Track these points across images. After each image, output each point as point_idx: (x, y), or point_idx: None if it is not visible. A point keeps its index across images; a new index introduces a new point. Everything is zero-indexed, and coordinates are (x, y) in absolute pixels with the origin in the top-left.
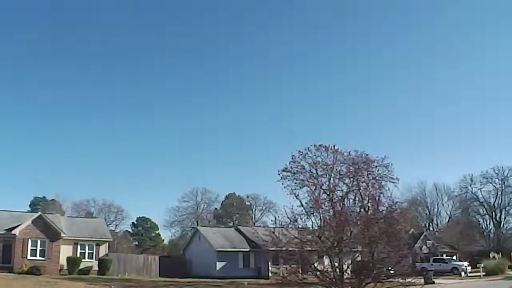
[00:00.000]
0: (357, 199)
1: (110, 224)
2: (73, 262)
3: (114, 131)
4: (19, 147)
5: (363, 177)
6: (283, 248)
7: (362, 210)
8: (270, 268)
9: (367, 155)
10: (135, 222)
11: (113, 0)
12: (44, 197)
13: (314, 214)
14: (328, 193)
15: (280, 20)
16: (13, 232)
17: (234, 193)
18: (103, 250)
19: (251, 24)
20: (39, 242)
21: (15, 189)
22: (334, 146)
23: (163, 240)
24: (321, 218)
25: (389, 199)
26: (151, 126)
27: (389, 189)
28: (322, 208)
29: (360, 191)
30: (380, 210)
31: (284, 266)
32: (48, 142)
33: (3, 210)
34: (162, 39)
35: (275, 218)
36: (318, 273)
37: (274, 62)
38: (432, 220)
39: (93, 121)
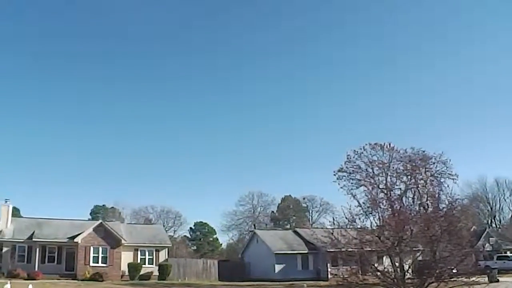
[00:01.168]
0: (415, 197)
1: (168, 230)
2: (134, 268)
3: (171, 139)
4: (79, 158)
5: (421, 175)
6: (342, 249)
7: (421, 208)
8: (329, 269)
9: (423, 152)
10: (193, 227)
11: None
12: (103, 205)
13: (373, 213)
14: (385, 192)
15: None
16: (75, 240)
17: (290, 195)
18: (162, 255)
19: (315, 25)
20: (100, 249)
21: (76, 199)
22: (389, 144)
23: (221, 244)
24: (380, 217)
25: (449, 196)
26: (207, 131)
27: (448, 185)
28: (380, 207)
29: (419, 188)
30: (440, 207)
31: (344, 267)
32: (108, 153)
33: (65, 219)
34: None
35: (333, 219)
36: (379, 273)
37: (332, 63)
38: (495, 216)
39: (151, 131)
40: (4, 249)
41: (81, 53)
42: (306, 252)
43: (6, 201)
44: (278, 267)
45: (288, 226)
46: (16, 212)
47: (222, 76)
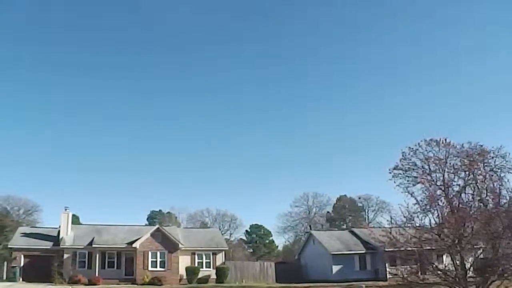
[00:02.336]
0: (475, 193)
1: (224, 233)
2: (192, 271)
3: (224, 141)
4: (135, 165)
5: (479, 170)
6: (401, 248)
7: (481, 204)
8: (387, 269)
9: (481, 146)
10: (249, 230)
11: None
12: (160, 210)
13: (431, 211)
14: (443, 188)
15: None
16: (133, 245)
17: (345, 195)
18: (219, 258)
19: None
20: (158, 253)
21: (133, 205)
22: (445, 140)
23: (277, 246)
24: (439, 215)
25: (510, 191)
26: (258, 132)
27: (508, 180)
28: (439, 204)
29: (478, 184)
30: (501, 203)
31: (403, 266)
32: (162, 159)
33: (123, 225)
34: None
35: (391, 218)
36: (439, 272)
37: (384, 61)
38: None
39: (202, 133)
40: (65, 256)
41: (136, 52)
42: (363, 252)
43: (65, 209)
44: (335, 268)
45: (344, 226)
46: (75, 220)
47: (271, 72)
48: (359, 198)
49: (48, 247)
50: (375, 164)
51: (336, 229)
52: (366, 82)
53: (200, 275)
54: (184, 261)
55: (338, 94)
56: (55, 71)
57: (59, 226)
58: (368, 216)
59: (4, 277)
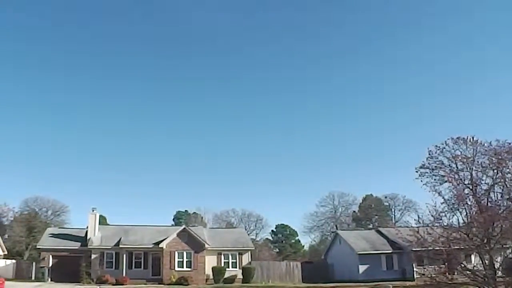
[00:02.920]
0: (504, 191)
1: (250, 233)
2: (218, 271)
3: (248, 141)
4: (161, 166)
5: (508, 168)
6: (429, 248)
7: (510, 203)
8: (415, 269)
9: (510, 144)
10: (275, 230)
11: None
12: (186, 210)
13: (459, 210)
14: (471, 187)
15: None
16: (160, 245)
17: (371, 194)
18: (245, 258)
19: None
20: (185, 253)
21: (159, 205)
22: (472, 138)
23: (303, 246)
24: (467, 214)
25: None
26: (285, 131)
27: None
28: (467, 203)
29: (506, 183)
30: None
31: (430, 266)
32: (188, 159)
33: (149, 226)
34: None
35: (418, 217)
36: (468, 272)
37: (409, 62)
38: None
39: (229, 135)
40: (93, 256)
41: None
42: (390, 252)
43: (93, 210)
44: (362, 268)
45: (370, 226)
46: (103, 220)
47: (299, 74)
48: (385, 198)
49: (76, 248)
50: (401, 162)
51: (363, 228)
52: (390, 85)
53: (226, 275)
54: (210, 261)
55: (364, 95)
56: (81, 71)
57: (87, 227)
58: (394, 216)
59: (33, 277)
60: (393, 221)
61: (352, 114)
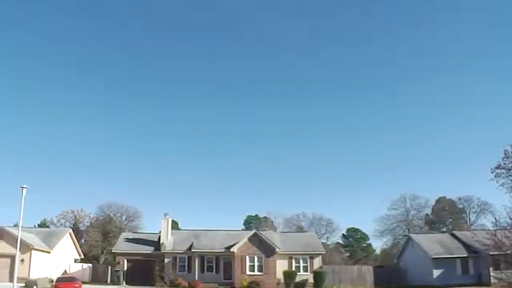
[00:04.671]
0: None
1: (321, 237)
2: (289, 275)
3: (319, 144)
4: (229, 172)
5: None
6: (507, 252)
7: None
8: (491, 274)
9: None
10: (345, 234)
11: None
12: (256, 215)
13: None
14: None
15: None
16: (231, 250)
17: (444, 196)
18: (316, 263)
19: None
20: (256, 258)
21: (229, 210)
22: None
23: (375, 250)
24: None
25: None
26: (354, 134)
27: None
28: None
29: None
30: None
31: (509, 271)
32: (258, 164)
33: (220, 230)
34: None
35: (495, 220)
36: None
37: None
38: None
39: (300, 139)
40: (166, 260)
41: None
42: (465, 256)
43: (165, 215)
44: (436, 273)
45: (444, 229)
46: (175, 225)
47: (368, 75)
48: (459, 200)
49: (150, 252)
50: (475, 163)
51: (436, 232)
52: (466, 84)
53: (297, 279)
54: (281, 265)
55: (441, 96)
56: (151, 77)
57: (160, 232)
58: (469, 218)
59: (109, 281)
60: (468, 224)
61: (424, 117)
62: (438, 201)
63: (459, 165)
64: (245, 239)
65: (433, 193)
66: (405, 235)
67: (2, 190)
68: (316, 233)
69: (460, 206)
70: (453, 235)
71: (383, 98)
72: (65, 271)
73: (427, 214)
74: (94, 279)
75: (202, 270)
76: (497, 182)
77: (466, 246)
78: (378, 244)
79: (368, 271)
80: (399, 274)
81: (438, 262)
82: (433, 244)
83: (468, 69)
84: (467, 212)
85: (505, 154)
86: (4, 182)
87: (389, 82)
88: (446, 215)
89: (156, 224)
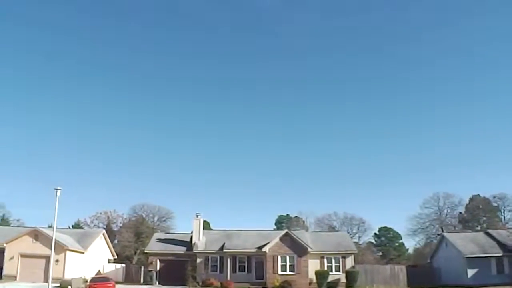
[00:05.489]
0: None
1: (353, 236)
2: (321, 275)
3: (351, 145)
4: (262, 172)
5: None
6: None
7: None
8: None
9: None
10: (378, 233)
11: None
12: (287, 214)
13: None
14: None
15: None
16: (263, 249)
17: (478, 194)
18: (349, 262)
19: None
20: (288, 257)
21: (260, 210)
22: None
23: (407, 249)
24: None
25: None
26: (388, 132)
27: None
28: None
29: None
30: None
31: None
32: (288, 164)
33: (252, 230)
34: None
35: None
36: None
37: None
38: None
39: (330, 139)
40: (198, 260)
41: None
42: (501, 255)
43: (197, 215)
44: (470, 272)
45: (478, 228)
46: (206, 225)
47: (406, 76)
48: (494, 198)
49: (182, 252)
50: (510, 161)
51: (470, 230)
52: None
53: (329, 279)
54: (313, 265)
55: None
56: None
57: (191, 232)
58: (504, 217)
59: (142, 281)
60: (503, 222)
61: (467, 116)
62: (472, 199)
63: (494, 163)
64: (277, 239)
65: (467, 192)
66: (438, 234)
67: (37, 192)
68: (348, 232)
69: (495, 204)
70: (488, 234)
71: (421, 98)
72: (99, 271)
73: (460, 213)
74: (127, 279)
75: (234, 270)
76: None
77: (501, 245)
78: (410, 244)
79: (401, 270)
80: (432, 274)
81: (472, 261)
82: (467, 243)
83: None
84: (502, 210)
85: None
86: (39, 184)
87: (427, 82)
88: (480, 213)
89: (188, 224)
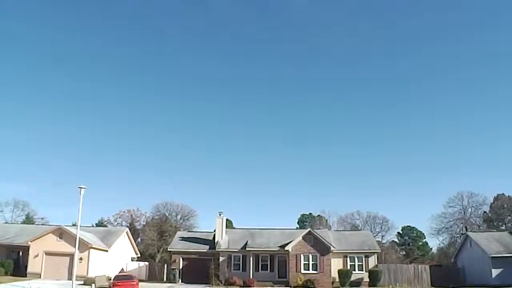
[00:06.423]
0: None
1: (376, 236)
2: (344, 274)
3: (377, 146)
4: (285, 170)
5: None
6: None
7: None
8: None
9: None
10: (401, 232)
11: None
12: (310, 213)
13: None
14: None
15: None
16: (286, 248)
17: (503, 193)
18: (372, 261)
19: None
20: (310, 256)
21: (283, 208)
22: None
23: (431, 249)
24: None
25: None
26: (410, 134)
27: None
28: None
29: None
30: None
31: None
32: (311, 163)
33: (275, 229)
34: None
35: None
36: None
37: None
38: None
39: (355, 140)
40: (221, 259)
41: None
42: None
43: (220, 214)
44: (495, 272)
45: (503, 227)
46: (229, 224)
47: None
48: None
49: (205, 251)
50: None
51: (495, 230)
52: None
53: (352, 278)
54: (336, 264)
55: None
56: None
57: (214, 230)
58: None
59: (165, 279)
60: None
61: (493, 119)
62: (496, 198)
63: None
64: (300, 238)
65: (491, 190)
66: (462, 234)
67: (62, 191)
68: (371, 231)
69: None
70: None
71: (448, 102)
72: (122, 269)
73: (485, 212)
74: (151, 277)
75: (256, 268)
76: None
77: None
78: (434, 243)
79: (424, 270)
80: (456, 274)
81: (497, 261)
82: (492, 242)
83: None
84: None
85: None
86: (63, 183)
87: (454, 84)
88: (505, 212)
89: (211, 223)
